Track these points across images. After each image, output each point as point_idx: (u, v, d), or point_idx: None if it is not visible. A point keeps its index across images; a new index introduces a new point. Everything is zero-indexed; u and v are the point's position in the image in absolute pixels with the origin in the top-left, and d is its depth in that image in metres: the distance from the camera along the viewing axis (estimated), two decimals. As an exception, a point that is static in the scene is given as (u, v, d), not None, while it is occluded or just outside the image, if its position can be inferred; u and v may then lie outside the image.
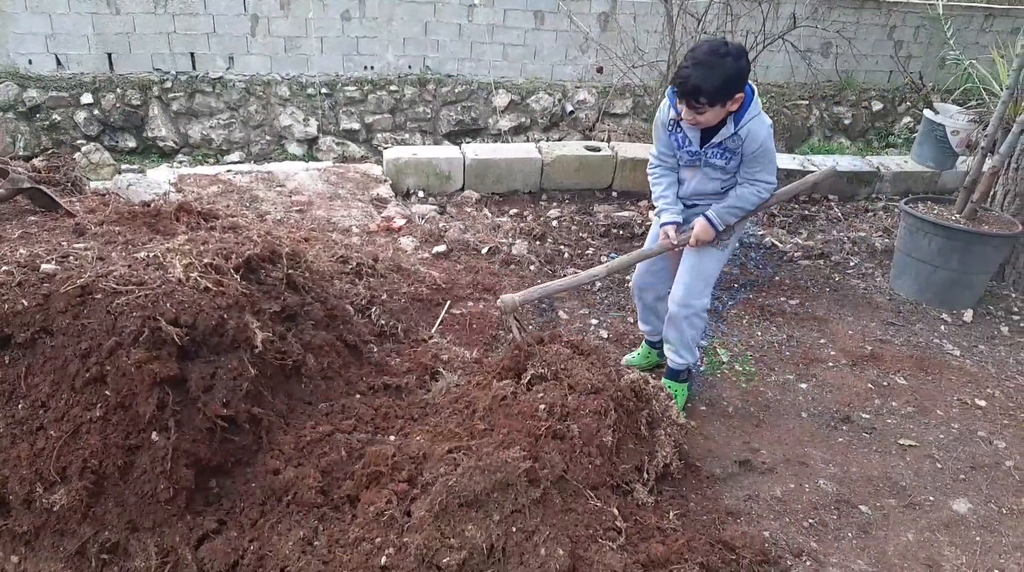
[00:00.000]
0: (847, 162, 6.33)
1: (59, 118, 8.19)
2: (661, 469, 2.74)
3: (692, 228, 3.01)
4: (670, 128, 2.92)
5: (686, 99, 2.67)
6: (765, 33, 6.30)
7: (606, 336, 3.81)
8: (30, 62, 7.96)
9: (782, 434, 3.23)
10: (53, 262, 2.10)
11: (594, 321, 3.94)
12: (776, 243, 5.03)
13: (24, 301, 1.96)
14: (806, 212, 5.73)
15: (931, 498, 2.92)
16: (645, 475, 2.68)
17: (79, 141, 8.46)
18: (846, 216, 5.77)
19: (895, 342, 4.03)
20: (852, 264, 4.94)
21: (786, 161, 6.09)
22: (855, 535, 2.71)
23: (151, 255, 2.22)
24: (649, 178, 3.15)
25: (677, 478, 2.79)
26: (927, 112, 6.42)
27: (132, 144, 8.64)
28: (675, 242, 3.03)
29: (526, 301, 3.21)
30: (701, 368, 3.59)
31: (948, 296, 4.44)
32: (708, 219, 2.94)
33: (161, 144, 8.71)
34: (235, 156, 8.82)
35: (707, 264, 3.06)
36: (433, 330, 3.59)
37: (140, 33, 8.16)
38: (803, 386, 3.60)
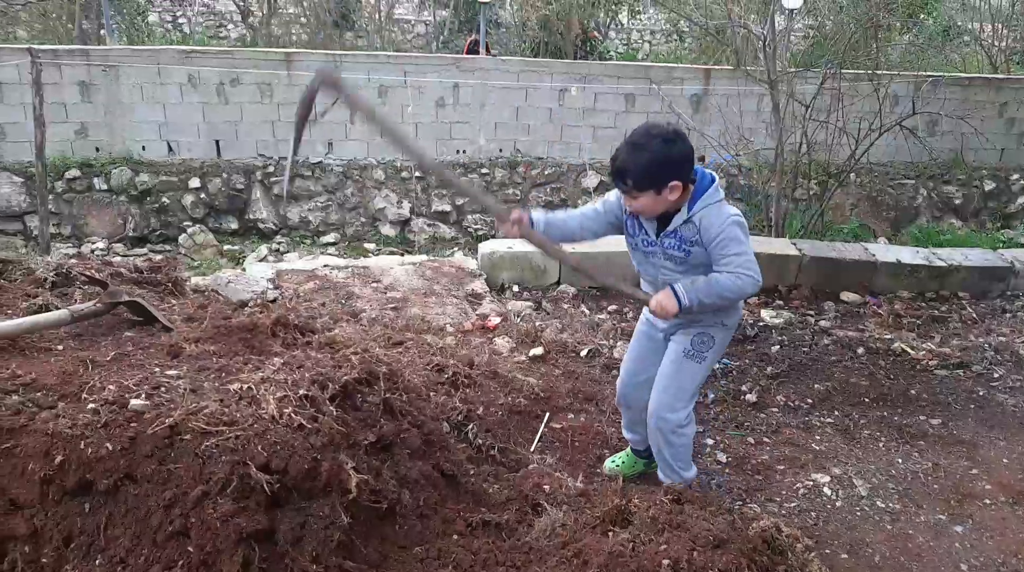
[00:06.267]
0: (977, 256, 5.78)
1: (168, 201, 8.52)
2: (804, 642, 2.34)
3: (652, 295, 2.68)
4: (626, 211, 2.65)
5: (615, 180, 2.54)
6: (881, 119, 5.95)
7: (724, 460, 3.43)
8: (144, 148, 8.35)
9: (941, 594, 2.76)
10: (143, 396, 1.96)
11: (710, 441, 3.56)
12: (907, 349, 4.54)
13: (109, 445, 1.80)
14: (935, 312, 5.20)
15: None
16: (786, 651, 2.28)
17: (185, 223, 8.77)
18: (982, 317, 5.22)
19: (1061, 475, 3.48)
20: (997, 376, 4.39)
21: (908, 256, 5.61)
22: None
23: (244, 387, 2.06)
24: None
25: (823, 654, 2.38)
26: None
27: (234, 226, 8.90)
28: (512, 227, 2.61)
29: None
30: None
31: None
32: (674, 290, 2.57)
33: (261, 226, 8.94)
34: (330, 237, 8.96)
35: (682, 377, 2.79)
36: (532, 447, 3.32)
37: (247, 121, 8.48)
38: (958, 529, 3.11)
